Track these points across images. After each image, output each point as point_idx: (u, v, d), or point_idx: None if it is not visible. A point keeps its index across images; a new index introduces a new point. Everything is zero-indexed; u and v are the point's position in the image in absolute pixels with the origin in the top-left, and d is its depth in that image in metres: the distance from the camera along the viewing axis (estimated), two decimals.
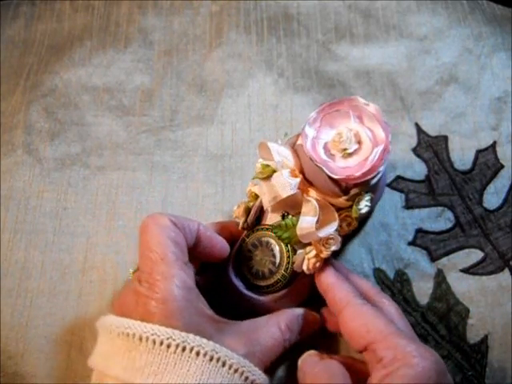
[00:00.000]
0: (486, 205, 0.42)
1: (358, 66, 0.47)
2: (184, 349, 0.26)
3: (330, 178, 0.31)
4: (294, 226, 0.32)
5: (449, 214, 0.42)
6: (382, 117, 0.33)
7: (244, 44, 0.48)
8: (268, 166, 0.33)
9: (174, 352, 0.26)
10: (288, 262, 0.33)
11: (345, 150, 0.32)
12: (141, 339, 0.26)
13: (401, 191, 0.42)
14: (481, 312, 0.38)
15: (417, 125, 0.45)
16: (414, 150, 0.44)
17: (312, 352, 0.32)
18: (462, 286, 0.39)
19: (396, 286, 0.39)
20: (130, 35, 0.49)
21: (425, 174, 0.43)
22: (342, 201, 0.32)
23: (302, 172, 0.33)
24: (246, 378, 0.27)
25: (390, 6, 0.50)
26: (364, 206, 0.33)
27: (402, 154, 0.44)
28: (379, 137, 0.32)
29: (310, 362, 0.30)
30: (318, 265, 0.32)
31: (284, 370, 0.36)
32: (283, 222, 0.33)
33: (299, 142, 0.33)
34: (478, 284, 0.39)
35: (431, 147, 0.44)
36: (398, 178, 0.43)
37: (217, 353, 0.26)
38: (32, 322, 0.38)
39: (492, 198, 0.42)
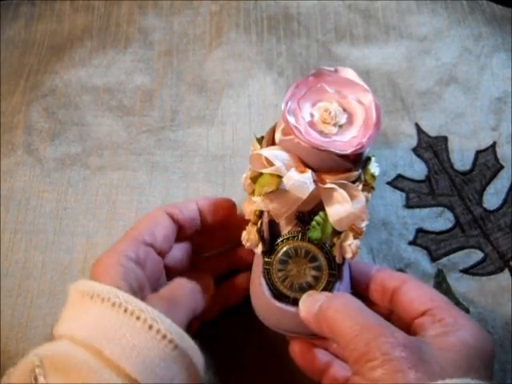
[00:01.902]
0: (485, 205, 0.42)
1: (357, 66, 0.47)
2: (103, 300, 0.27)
3: (338, 156, 0.29)
4: (325, 220, 0.31)
5: (449, 215, 0.42)
6: (356, 77, 0.32)
7: (244, 44, 0.48)
8: (273, 175, 0.30)
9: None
10: (329, 259, 0.31)
11: (336, 123, 0.30)
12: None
13: (401, 190, 0.42)
14: (481, 312, 0.38)
15: (417, 125, 0.45)
16: (414, 150, 0.44)
17: (312, 292, 0.31)
18: (462, 287, 0.39)
19: None
20: (130, 35, 0.49)
21: (425, 174, 0.43)
22: (354, 174, 0.31)
23: (305, 165, 0.30)
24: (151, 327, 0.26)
25: (389, 6, 0.50)
26: (375, 168, 0.32)
27: (402, 154, 0.44)
28: (364, 96, 0.31)
29: (313, 303, 0.29)
30: (359, 245, 0.31)
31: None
32: (314, 222, 0.31)
33: (280, 137, 0.32)
34: (478, 284, 0.39)
35: (431, 147, 0.44)
36: (399, 176, 0.43)
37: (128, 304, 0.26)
38: (32, 322, 0.38)
39: (492, 198, 0.42)
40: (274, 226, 0.32)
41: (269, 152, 0.30)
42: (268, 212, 0.31)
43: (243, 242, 0.32)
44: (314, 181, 0.30)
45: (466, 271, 0.40)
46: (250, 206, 0.33)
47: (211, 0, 0.50)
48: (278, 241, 0.32)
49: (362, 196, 0.30)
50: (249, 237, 0.32)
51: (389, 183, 0.43)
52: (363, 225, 0.31)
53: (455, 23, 0.49)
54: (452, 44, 0.48)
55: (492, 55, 0.47)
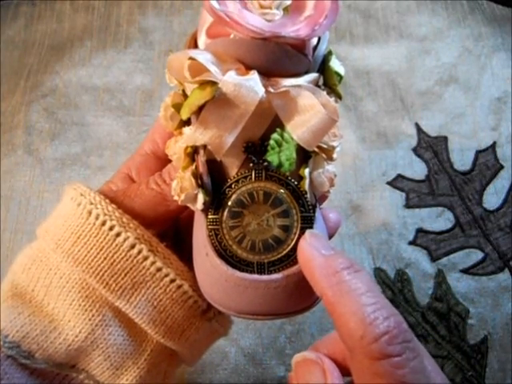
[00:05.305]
0: (485, 205, 0.42)
1: (358, 66, 0.47)
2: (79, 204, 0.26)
3: (292, 45, 0.22)
4: (285, 139, 0.22)
5: (449, 215, 0.42)
6: None
7: None
8: (204, 86, 0.21)
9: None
10: (299, 198, 0.23)
11: (279, 4, 0.22)
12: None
13: (401, 190, 0.42)
14: (481, 312, 0.38)
15: (417, 125, 0.45)
16: (415, 150, 0.44)
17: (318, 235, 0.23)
18: (462, 287, 0.39)
19: (397, 286, 0.39)
20: (130, 35, 0.49)
21: (425, 174, 0.43)
22: (313, 75, 0.23)
23: (247, 67, 0.22)
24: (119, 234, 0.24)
25: (389, 7, 0.50)
26: (338, 65, 0.25)
27: (402, 154, 0.44)
28: None
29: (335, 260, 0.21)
30: (334, 174, 0.24)
31: (284, 370, 0.36)
32: (272, 142, 0.22)
33: (206, 41, 0.24)
34: (478, 284, 0.39)
35: (431, 147, 0.44)
36: (399, 176, 0.43)
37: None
38: None
39: (492, 198, 0.42)
40: (215, 169, 0.23)
41: (197, 52, 0.22)
42: (204, 148, 0.22)
43: (175, 197, 0.23)
44: (263, 85, 0.21)
45: (466, 271, 0.40)
46: (176, 143, 0.24)
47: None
48: (224, 187, 0.23)
49: (330, 100, 0.22)
50: (182, 185, 0.23)
51: (389, 183, 0.43)
52: (336, 143, 0.23)
53: (455, 23, 0.49)
54: (452, 44, 0.48)
55: (492, 55, 0.47)
